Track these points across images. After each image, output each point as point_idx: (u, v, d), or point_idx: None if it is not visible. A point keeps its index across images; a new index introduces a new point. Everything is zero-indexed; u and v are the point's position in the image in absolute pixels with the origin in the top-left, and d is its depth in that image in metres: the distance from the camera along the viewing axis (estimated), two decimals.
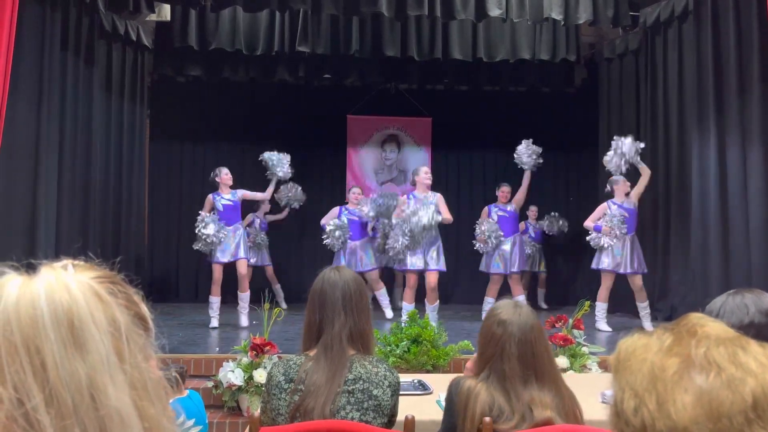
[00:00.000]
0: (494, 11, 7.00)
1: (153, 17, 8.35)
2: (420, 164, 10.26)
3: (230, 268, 7.19)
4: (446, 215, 6.77)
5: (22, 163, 6.05)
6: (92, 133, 7.39)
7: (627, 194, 6.96)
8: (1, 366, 0.65)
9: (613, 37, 8.92)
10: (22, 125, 5.98)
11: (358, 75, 9.36)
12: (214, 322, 6.96)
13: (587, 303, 5.32)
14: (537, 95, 9.95)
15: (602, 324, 6.93)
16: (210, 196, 7.14)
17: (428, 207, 6.67)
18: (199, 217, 6.93)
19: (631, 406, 0.72)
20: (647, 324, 6.85)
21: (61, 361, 0.66)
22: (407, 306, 6.70)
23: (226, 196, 7.08)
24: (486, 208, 7.93)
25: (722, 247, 6.46)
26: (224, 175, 7.12)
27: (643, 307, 6.94)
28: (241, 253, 7.01)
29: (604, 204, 7.01)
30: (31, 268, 0.72)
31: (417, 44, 8.51)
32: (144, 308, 0.84)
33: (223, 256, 6.93)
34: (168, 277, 9.73)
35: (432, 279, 6.79)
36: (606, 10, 7.30)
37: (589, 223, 6.96)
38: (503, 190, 7.92)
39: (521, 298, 7.44)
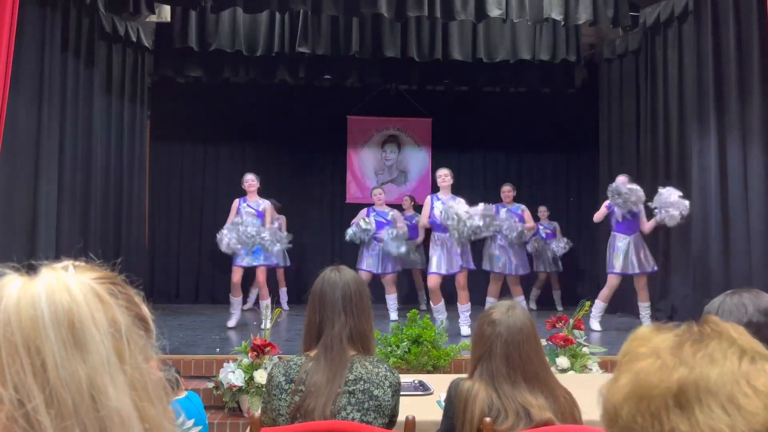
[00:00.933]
0: (494, 12, 7.00)
1: (153, 18, 8.36)
2: (420, 165, 10.30)
3: (248, 272, 7.22)
4: None
5: (23, 164, 6.05)
6: (93, 134, 7.39)
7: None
8: (2, 367, 0.65)
9: (613, 37, 8.93)
10: (22, 126, 5.98)
11: (358, 76, 9.37)
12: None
13: (588, 303, 5.32)
14: (537, 96, 9.95)
15: (595, 323, 6.90)
16: (236, 201, 7.20)
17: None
18: (224, 230, 6.99)
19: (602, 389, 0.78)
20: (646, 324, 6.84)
21: (62, 362, 0.66)
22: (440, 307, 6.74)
23: (252, 203, 7.13)
24: (493, 207, 7.89)
25: (723, 247, 6.46)
26: (245, 183, 7.19)
27: (645, 307, 6.92)
28: (262, 259, 7.04)
29: (608, 202, 6.99)
30: (31, 269, 0.72)
31: (417, 45, 8.52)
32: (145, 309, 0.84)
33: (255, 260, 6.99)
34: (169, 277, 9.74)
35: (461, 278, 6.77)
36: (606, 11, 7.30)
37: (599, 216, 6.96)
38: (504, 191, 7.88)
39: (520, 299, 7.46)
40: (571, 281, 9.68)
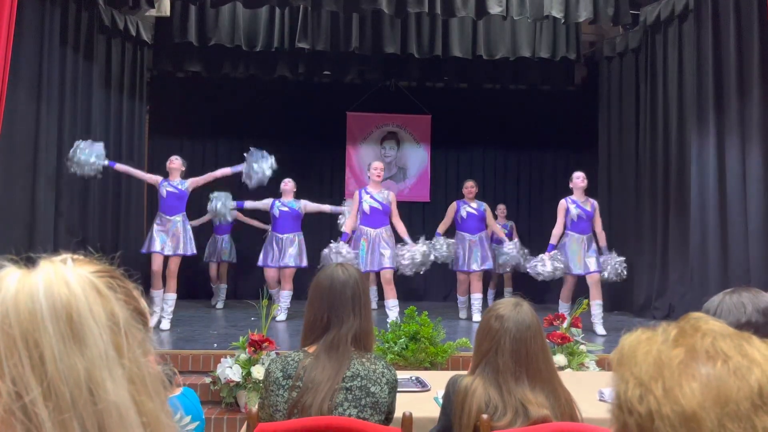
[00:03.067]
0: (494, 9, 6.99)
1: (152, 12, 8.34)
2: (420, 162, 10.30)
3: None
4: (395, 218, 6.85)
5: (22, 157, 6.05)
6: (91, 129, 7.38)
7: (586, 192, 6.96)
8: (0, 359, 0.65)
9: (614, 35, 8.92)
10: (21, 120, 5.98)
11: (358, 72, 9.36)
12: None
13: (585, 301, 5.33)
14: (537, 93, 9.95)
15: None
16: (158, 179, 6.80)
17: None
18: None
19: (637, 395, 0.74)
20: (599, 327, 6.69)
21: (60, 355, 0.66)
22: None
23: (173, 182, 6.72)
24: (454, 204, 7.82)
25: (721, 246, 6.46)
26: (169, 162, 6.80)
27: (597, 305, 6.73)
28: (180, 249, 6.58)
29: (563, 201, 6.97)
30: (30, 262, 0.72)
31: (417, 41, 8.51)
32: (143, 303, 0.85)
33: (160, 248, 6.51)
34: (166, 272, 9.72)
35: (388, 274, 6.75)
36: (606, 9, 7.29)
37: (556, 232, 6.86)
38: (467, 186, 7.79)
39: (478, 296, 7.57)
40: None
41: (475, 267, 7.57)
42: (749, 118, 6.30)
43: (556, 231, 6.87)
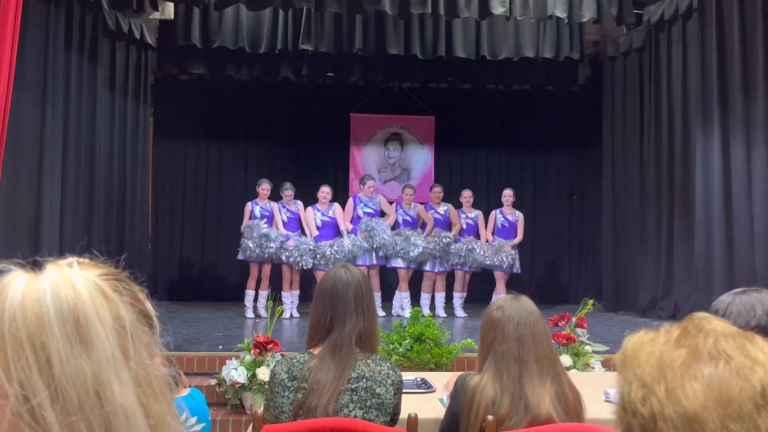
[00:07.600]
0: (498, 9, 6.98)
1: (156, 15, 8.36)
2: (423, 163, 10.28)
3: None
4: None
5: (27, 161, 6.06)
6: (96, 132, 7.40)
7: (513, 205, 8.16)
8: (7, 362, 0.65)
9: (618, 35, 8.91)
10: (26, 123, 5.99)
11: (362, 73, 9.36)
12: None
13: (591, 302, 5.31)
14: (541, 94, 9.93)
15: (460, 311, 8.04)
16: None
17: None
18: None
19: (639, 396, 0.74)
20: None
21: (67, 358, 0.66)
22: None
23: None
24: (422, 206, 8.27)
25: (726, 246, 6.45)
26: (284, 191, 7.92)
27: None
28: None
29: (494, 211, 8.16)
30: (36, 266, 0.72)
31: (420, 42, 8.51)
32: (149, 306, 0.85)
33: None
34: (171, 275, 9.75)
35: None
36: (610, 8, 7.28)
37: (489, 235, 8.06)
38: (435, 191, 8.24)
39: (441, 295, 8.12)
40: (571, 280, 9.68)
41: (440, 268, 8.04)
42: (754, 117, 6.28)
43: (488, 234, 8.07)
